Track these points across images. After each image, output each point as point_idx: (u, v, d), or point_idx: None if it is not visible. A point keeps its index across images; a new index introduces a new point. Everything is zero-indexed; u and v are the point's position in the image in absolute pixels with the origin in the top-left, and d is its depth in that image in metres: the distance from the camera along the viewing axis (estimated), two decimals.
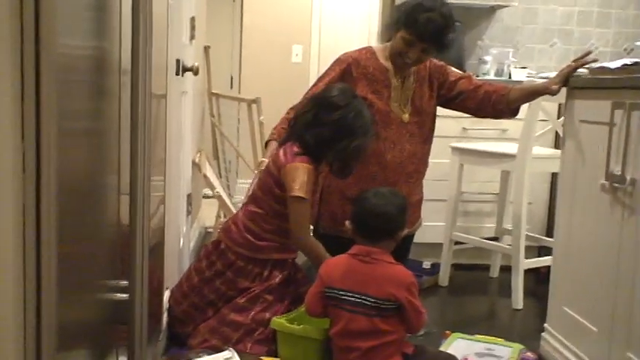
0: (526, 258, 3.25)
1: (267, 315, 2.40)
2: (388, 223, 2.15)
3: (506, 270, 3.50)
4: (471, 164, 3.52)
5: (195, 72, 2.80)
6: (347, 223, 2.22)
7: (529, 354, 2.49)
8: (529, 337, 2.69)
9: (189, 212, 3.23)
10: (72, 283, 1.06)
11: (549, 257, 2.85)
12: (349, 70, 2.76)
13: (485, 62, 4.23)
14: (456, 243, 3.61)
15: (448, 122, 3.52)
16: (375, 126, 2.60)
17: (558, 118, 3.41)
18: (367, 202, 2.19)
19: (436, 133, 2.92)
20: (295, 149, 2.45)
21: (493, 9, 4.41)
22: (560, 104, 3.58)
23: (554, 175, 3.75)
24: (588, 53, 2.53)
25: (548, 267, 2.64)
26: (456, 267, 3.70)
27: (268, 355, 2.33)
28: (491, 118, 2.91)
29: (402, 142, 2.75)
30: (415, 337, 2.39)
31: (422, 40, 2.60)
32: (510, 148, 3.30)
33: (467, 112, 2.90)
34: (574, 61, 2.51)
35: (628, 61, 2.22)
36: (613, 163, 2.06)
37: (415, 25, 2.58)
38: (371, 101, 2.68)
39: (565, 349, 2.35)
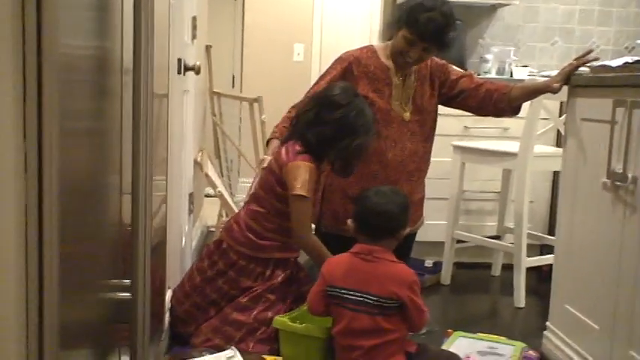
0: (528, 256, 3.25)
1: (270, 314, 2.40)
2: (390, 222, 2.15)
3: (508, 268, 3.50)
4: (472, 163, 3.52)
5: (197, 71, 2.80)
6: (349, 221, 2.22)
7: (531, 352, 2.49)
8: (531, 336, 2.70)
9: (191, 211, 3.23)
10: (74, 282, 1.06)
11: (551, 255, 2.85)
12: (350, 68, 2.75)
13: (486, 61, 4.23)
14: (458, 241, 3.61)
15: (450, 121, 3.52)
16: (376, 125, 2.60)
17: (560, 116, 3.41)
18: (369, 200, 2.19)
19: (438, 131, 2.92)
20: (297, 148, 2.45)
21: (494, 7, 4.41)
22: (561, 102, 3.58)
23: (555, 174, 3.75)
24: (589, 52, 2.53)
25: (550, 265, 2.64)
26: (457, 265, 3.71)
27: (270, 354, 2.33)
28: (492, 116, 2.91)
29: (403, 141, 2.75)
30: (417, 335, 2.39)
31: (423, 40, 2.60)
32: (512, 146, 3.30)
33: (468, 111, 2.90)
34: (575, 59, 2.52)
35: (629, 59, 2.22)
36: (614, 161, 2.06)
37: (416, 24, 2.58)
38: (372, 100, 2.68)
39: (567, 347, 2.35)
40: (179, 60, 2.50)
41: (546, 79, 2.64)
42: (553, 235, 3.03)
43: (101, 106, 1.24)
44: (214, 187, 3.68)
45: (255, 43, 5.60)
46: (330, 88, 2.57)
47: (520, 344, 2.52)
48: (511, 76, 4.13)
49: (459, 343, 2.52)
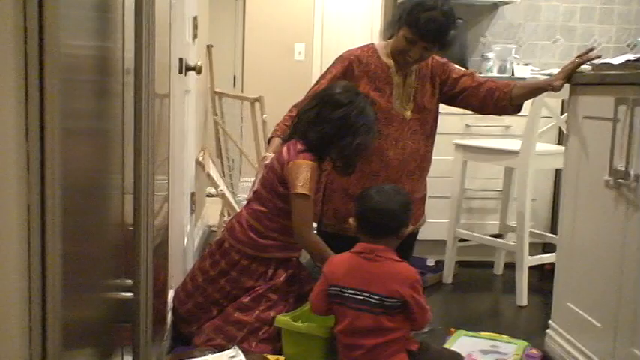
0: (530, 255, 3.25)
1: (272, 314, 2.40)
2: (392, 220, 2.15)
3: (510, 267, 3.50)
4: (474, 161, 3.52)
5: (198, 71, 2.80)
6: (351, 220, 2.22)
7: (534, 350, 2.49)
8: (534, 334, 2.69)
9: (192, 211, 3.23)
10: (77, 282, 1.06)
11: (553, 254, 2.85)
12: (351, 67, 2.75)
13: (487, 59, 4.23)
14: (460, 240, 3.61)
15: (451, 119, 3.52)
16: (377, 123, 2.60)
17: (562, 114, 3.40)
18: (371, 199, 2.18)
19: (439, 130, 2.92)
20: (299, 146, 2.45)
21: (496, 5, 4.41)
22: (563, 100, 3.58)
23: (557, 172, 3.75)
24: (591, 50, 2.53)
25: (553, 263, 2.64)
26: (460, 264, 3.70)
27: (273, 353, 2.33)
28: (494, 114, 2.91)
29: (403, 140, 2.75)
30: (420, 334, 2.39)
31: (423, 39, 2.60)
32: (514, 144, 3.30)
33: (470, 109, 2.90)
34: (577, 57, 2.51)
35: (631, 57, 2.22)
36: (617, 159, 2.06)
37: (417, 24, 2.58)
38: (373, 99, 2.68)
39: (570, 346, 2.35)
40: (180, 60, 2.50)
41: (548, 77, 2.64)
42: (555, 233, 3.03)
43: (103, 106, 1.24)
44: (216, 186, 3.68)
45: (256, 42, 5.60)
46: (331, 87, 2.56)
47: (522, 343, 2.52)
48: (512, 74, 4.13)
49: (461, 341, 2.52)
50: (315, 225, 2.66)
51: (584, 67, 2.46)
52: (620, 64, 2.21)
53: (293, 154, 2.43)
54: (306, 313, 2.34)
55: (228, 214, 3.75)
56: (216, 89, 4.56)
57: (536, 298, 3.28)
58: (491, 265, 3.79)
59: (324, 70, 2.90)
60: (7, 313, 0.87)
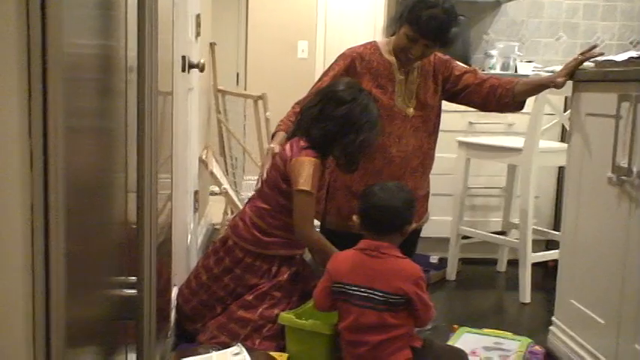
0: (533, 252, 3.25)
1: (276, 311, 2.40)
2: (395, 218, 2.15)
3: (513, 264, 3.50)
4: (477, 158, 3.52)
5: (201, 69, 2.80)
6: (354, 217, 2.22)
7: (537, 347, 2.49)
8: (537, 331, 2.70)
9: (196, 209, 3.24)
10: (80, 280, 1.06)
11: (556, 251, 2.85)
12: (353, 64, 2.75)
13: (491, 56, 4.22)
14: (463, 237, 3.61)
15: (454, 117, 3.52)
16: (380, 120, 2.60)
17: (565, 111, 3.40)
18: (374, 196, 2.18)
19: (442, 127, 2.91)
20: (302, 143, 2.45)
21: (499, 3, 4.40)
22: (566, 97, 3.58)
23: (560, 169, 3.75)
24: (594, 47, 2.52)
25: (556, 260, 2.64)
26: (463, 261, 3.70)
27: (277, 350, 2.34)
28: (496, 111, 2.91)
29: (406, 137, 2.75)
30: (423, 331, 2.39)
31: (425, 37, 2.60)
32: (517, 142, 3.30)
33: (472, 106, 2.90)
34: (580, 54, 2.50)
35: (634, 53, 2.22)
36: (619, 155, 2.05)
37: (418, 22, 2.58)
38: (375, 96, 2.67)
39: (573, 342, 2.35)
40: (183, 57, 2.50)
41: (550, 74, 2.64)
42: (558, 230, 3.03)
43: (106, 104, 1.24)
44: (219, 184, 3.68)
45: (259, 40, 5.60)
46: (334, 84, 2.56)
47: (526, 339, 2.52)
48: (515, 71, 4.13)
49: (464, 338, 2.52)
50: (318, 223, 2.66)
51: (587, 64, 2.46)
52: (623, 61, 2.21)
53: (296, 151, 2.43)
54: (310, 311, 2.34)
55: (232, 212, 3.75)
56: (219, 87, 4.56)
57: (539, 295, 3.28)
58: (494, 262, 3.79)
59: (327, 67, 2.90)
60: (11, 311, 0.88)
